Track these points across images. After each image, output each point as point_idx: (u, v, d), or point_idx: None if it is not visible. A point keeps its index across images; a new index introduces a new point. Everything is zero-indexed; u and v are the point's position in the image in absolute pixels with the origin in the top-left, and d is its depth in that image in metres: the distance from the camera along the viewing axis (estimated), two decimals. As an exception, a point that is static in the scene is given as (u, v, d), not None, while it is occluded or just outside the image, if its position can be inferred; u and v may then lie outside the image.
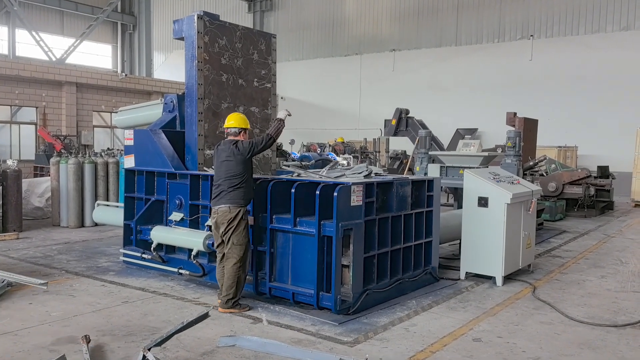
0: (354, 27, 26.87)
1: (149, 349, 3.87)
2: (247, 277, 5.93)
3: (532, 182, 11.16)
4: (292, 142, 17.71)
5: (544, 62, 21.57)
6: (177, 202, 6.94)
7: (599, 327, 5.17)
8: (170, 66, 30.93)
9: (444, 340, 4.76)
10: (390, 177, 6.39)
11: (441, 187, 8.15)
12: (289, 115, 5.86)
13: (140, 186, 7.40)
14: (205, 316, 4.19)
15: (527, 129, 12.89)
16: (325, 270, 5.35)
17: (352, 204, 5.34)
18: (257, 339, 4.51)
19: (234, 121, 5.61)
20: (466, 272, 6.90)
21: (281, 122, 5.71)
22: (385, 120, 15.10)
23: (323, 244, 5.33)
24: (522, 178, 8.59)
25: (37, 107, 19.78)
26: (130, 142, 7.48)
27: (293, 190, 5.47)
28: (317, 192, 5.29)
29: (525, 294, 6.33)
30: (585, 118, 20.46)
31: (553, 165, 14.81)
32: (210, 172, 6.81)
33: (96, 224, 10.35)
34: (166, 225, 7.03)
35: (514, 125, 12.63)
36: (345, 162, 10.99)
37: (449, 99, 23.18)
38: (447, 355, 4.43)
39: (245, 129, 5.61)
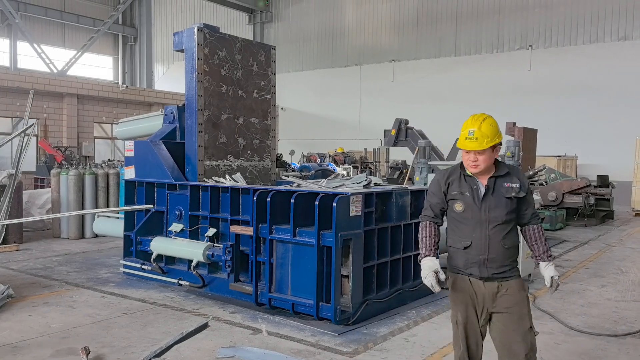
0: (353, 38, 27.03)
1: (148, 360, 3.87)
2: (248, 288, 5.94)
3: (532, 191, 11.18)
4: (292, 152, 17.75)
5: (542, 72, 21.67)
6: (177, 213, 6.96)
7: (599, 337, 5.16)
8: (171, 78, 31.08)
9: (443, 350, 4.75)
10: (389, 187, 6.41)
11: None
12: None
13: (141, 197, 7.42)
14: (204, 326, 4.19)
15: (527, 138, 12.94)
16: (324, 280, 5.35)
17: (351, 214, 5.35)
18: (256, 350, 4.51)
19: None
20: (466, 282, 6.88)
21: None
22: (384, 131, 15.12)
23: (322, 254, 5.34)
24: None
25: (38, 119, 19.83)
26: (131, 154, 7.51)
27: (292, 201, 5.49)
28: (317, 203, 5.30)
29: (525, 303, 6.32)
30: (584, 127, 20.52)
31: (553, 175, 14.83)
32: (211, 182, 6.84)
33: (96, 235, 10.36)
34: (166, 236, 7.04)
35: (513, 135, 12.67)
36: (345, 172, 11.03)
37: (449, 109, 23.24)
38: (447, 366, 4.42)
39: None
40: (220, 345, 4.71)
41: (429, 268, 3.24)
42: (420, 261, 3.35)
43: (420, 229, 3.42)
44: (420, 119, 18.32)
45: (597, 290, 7.04)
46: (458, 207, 3.29)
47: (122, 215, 7.67)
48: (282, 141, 21.99)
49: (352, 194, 5.41)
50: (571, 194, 13.65)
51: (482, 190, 3.25)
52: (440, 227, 3.41)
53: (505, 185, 3.26)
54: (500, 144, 3.27)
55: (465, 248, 3.27)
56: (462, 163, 3.34)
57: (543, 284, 7.17)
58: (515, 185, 3.27)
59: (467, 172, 3.29)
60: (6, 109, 18.91)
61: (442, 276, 3.23)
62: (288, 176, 8.30)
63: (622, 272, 8.18)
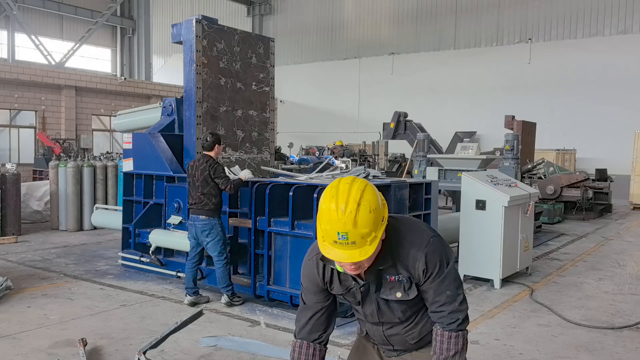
0: (352, 30, 26.94)
1: (144, 352, 3.88)
2: (246, 280, 5.96)
3: (531, 185, 11.19)
4: (290, 145, 17.73)
5: (542, 65, 21.62)
6: (175, 205, 6.95)
7: (596, 330, 5.18)
8: (169, 70, 30.98)
9: (441, 342, 4.76)
10: (387, 179, 6.40)
11: (440, 190, 8.15)
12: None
13: (139, 189, 7.42)
14: (199, 314, 4.20)
15: (526, 132, 12.90)
16: (323, 273, 5.35)
17: (349, 207, 5.35)
18: (238, 339, 4.54)
19: None
20: (464, 275, 6.90)
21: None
22: (383, 124, 15.08)
23: (321, 247, 5.33)
24: (521, 181, 8.61)
25: (36, 111, 19.79)
26: (129, 146, 7.50)
27: (291, 194, 5.49)
28: (315, 195, 5.31)
29: (522, 296, 6.34)
30: (583, 121, 20.51)
31: (551, 168, 14.84)
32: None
33: (95, 228, 10.35)
34: (164, 228, 7.04)
35: (512, 129, 12.64)
36: (343, 165, 11.01)
37: (448, 102, 23.23)
38: (444, 358, 4.44)
39: None
40: (218, 337, 4.72)
41: None
42: None
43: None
44: (419, 112, 18.30)
45: (595, 283, 7.06)
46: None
47: (121, 208, 7.67)
48: (280, 134, 21.97)
49: (351, 186, 5.40)
50: (570, 187, 13.66)
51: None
52: None
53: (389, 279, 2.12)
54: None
55: None
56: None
57: (540, 277, 7.22)
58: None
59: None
60: (4, 101, 18.85)
61: None
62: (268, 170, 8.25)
63: (619, 265, 8.20)
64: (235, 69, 7.32)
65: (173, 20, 24.77)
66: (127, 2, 30.88)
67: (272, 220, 5.67)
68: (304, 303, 2.21)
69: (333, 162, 11.69)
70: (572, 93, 20.78)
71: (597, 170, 15.18)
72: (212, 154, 5.86)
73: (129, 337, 4.79)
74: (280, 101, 26.64)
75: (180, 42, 7.01)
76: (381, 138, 18.49)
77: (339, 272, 2.14)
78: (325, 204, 1.92)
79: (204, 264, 6.54)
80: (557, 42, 21.57)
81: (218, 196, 5.77)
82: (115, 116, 9.24)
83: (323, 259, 2.06)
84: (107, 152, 16.54)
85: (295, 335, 2.24)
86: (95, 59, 31.51)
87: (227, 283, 5.77)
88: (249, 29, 27.77)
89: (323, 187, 5.39)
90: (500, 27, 22.87)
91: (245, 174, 6.01)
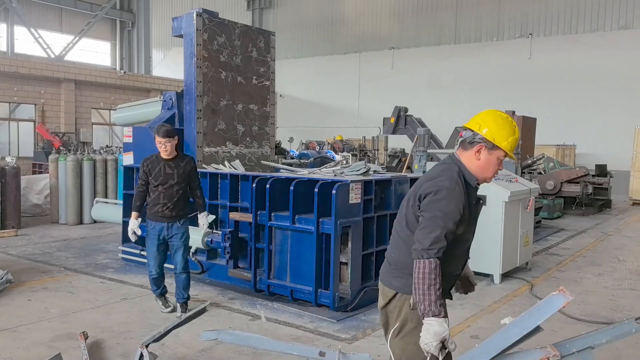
0: (353, 25, 26.86)
1: (146, 346, 3.88)
2: (247, 274, 5.97)
3: (530, 180, 11.18)
4: (290, 139, 17.72)
5: (542, 60, 21.59)
6: (175, 199, 6.93)
7: (595, 325, 5.18)
8: (169, 63, 30.90)
9: (441, 337, 4.77)
10: (388, 174, 6.40)
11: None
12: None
13: (139, 183, 7.40)
14: (202, 311, 4.20)
15: (526, 127, 12.91)
16: (323, 267, 5.36)
17: (350, 202, 5.35)
18: (239, 333, 4.53)
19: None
20: (464, 270, 6.91)
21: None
22: (384, 118, 15.07)
23: (321, 242, 5.35)
24: (520, 176, 8.61)
25: (35, 104, 19.76)
26: (129, 140, 7.49)
27: (292, 188, 5.48)
28: (316, 190, 5.30)
29: (522, 291, 6.36)
30: (583, 116, 20.50)
31: (551, 164, 14.85)
32: (210, 169, 6.83)
33: (95, 221, 10.35)
34: (165, 222, 7.02)
35: (512, 124, 12.63)
36: (344, 160, 11.01)
37: (448, 97, 23.19)
38: (444, 352, 4.45)
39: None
40: (219, 331, 4.73)
41: (437, 335, 2.36)
42: (424, 317, 2.39)
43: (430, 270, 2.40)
44: (420, 107, 18.27)
45: (594, 278, 7.08)
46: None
47: (121, 201, 7.66)
48: (280, 128, 21.92)
49: (352, 181, 5.40)
50: (569, 183, 13.68)
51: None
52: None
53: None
54: None
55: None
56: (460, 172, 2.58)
57: (540, 272, 7.23)
58: None
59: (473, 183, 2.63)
60: (3, 94, 18.81)
61: (453, 346, 2.43)
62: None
63: (619, 260, 8.22)
64: (235, 62, 7.30)
65: (173, 14, 24.67)
66: (127, -5, 30.76)
67: (272, 214, 5.66)
68: (446, 228, 2.44)
69: (333, 157, 11.70)
70: (573, 88, 20.75)
71: (596, 165, 15.19)
72: None
73: (129, 330, 4.80)
74: (280, 95, 26.58)
75: (180, 36, 6.99)
76: (381, 133, 18.45)
77: (469, 195, 2.56)
78: (508, 123, 2.57)
79: (204, 258, 6.57)
80: (557, 37, 21.53)
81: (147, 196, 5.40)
82: (115, 110, 9.21)
83: (477, 183, 2.64)
84: (107, 145, 16.53)
85: (431, 256, 2.42)
86: (95, 52, 31.39)
87: (152, 288, 5.44)
88: (249, 23, 27.67)
89: (324, 181, 5.40)
90: (501, 22, 22.82)
91: (203, 222, 5.48)
